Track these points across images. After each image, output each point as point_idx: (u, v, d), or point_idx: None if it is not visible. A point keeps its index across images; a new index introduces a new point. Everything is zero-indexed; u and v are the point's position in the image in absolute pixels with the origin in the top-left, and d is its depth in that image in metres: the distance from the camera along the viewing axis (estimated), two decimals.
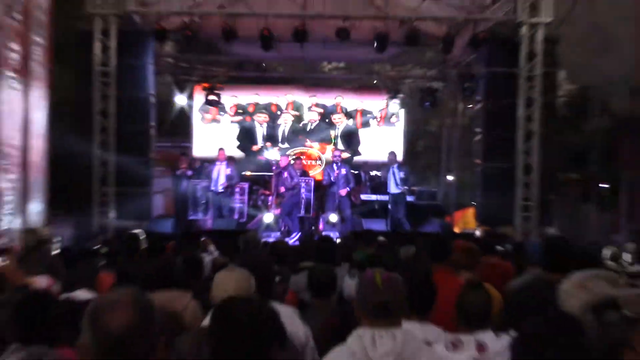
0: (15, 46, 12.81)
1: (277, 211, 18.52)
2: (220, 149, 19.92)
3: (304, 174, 19.65)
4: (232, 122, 23.00)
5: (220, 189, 18.93)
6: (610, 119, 26.08)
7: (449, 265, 7.21)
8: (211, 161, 20.13)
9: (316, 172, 20.58)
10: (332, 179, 18.98)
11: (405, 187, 18.86)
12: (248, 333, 3.28)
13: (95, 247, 12.17)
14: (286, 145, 22.20)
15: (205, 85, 21.31)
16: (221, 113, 22.05)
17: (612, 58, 31.85)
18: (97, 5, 16.21)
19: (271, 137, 22.29)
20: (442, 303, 5.31)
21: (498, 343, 4.68)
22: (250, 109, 22.37)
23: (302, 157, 20.91)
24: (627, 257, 11.62)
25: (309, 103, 22.46)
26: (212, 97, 20.98)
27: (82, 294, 6.21)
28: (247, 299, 3.69)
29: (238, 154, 21.65)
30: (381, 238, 12.54)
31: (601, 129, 25.89)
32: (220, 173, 19.04)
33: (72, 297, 6.13)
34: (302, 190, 18.84)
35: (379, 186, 20.37)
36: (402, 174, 18.83)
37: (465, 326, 4.88)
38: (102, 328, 2.67)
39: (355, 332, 4.13)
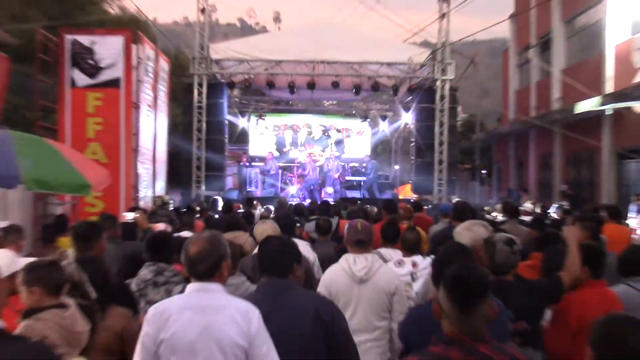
0: (149, 92, 13.20)
1: (300, 186, 19.08)
2: (269, 152, 20.67)
3: (313, 164, 19.82)
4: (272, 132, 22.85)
5: (273, 171, 19.29)
6: (486, 134, 26.23)
7: (397, 217, 7.07)
8: (261, 158, 20.74)
9: (320, 164, 20.17)
10: (329, 167, 19.53)
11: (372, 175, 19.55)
12: (279, 254, 3.07)
13: (193, 206, 11.82)
14: (302, 148, 22.35)
15: (256, 113, 22.12)
16: (266, 128, 22.43)
17: (486, 99, 31.44)
18: (195, 69, 16.81)
19: (294, 144, 22.50)
20: None
21: (425, 262, 4.55)
22: (282, 127, 22.62)
23: (312, 155, 21.13)
24: (495, 213, 11.56)
25: (316, 124, 22.87)
26: (260, 120, 21.79)
27: (185, 233, 5.96)
28: (278, 236, 3.48)
29: (275, 153, 21.68)
30: (358, 202, 12.61)
31: (480, 139, 26.14)
32: (272, 166, 19.38)
33: (180, 235, 5.82)
34: (312, 174, 19.19)
35: (358, 172, 20.92)
36: (371, 168, 19.54)
37: (406, 252, 4.79)
38: (185, 252, 2.68)
39: (344, 256, 4.06)
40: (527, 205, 11.37)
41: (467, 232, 3.73)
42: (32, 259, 2.84)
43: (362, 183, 19.77)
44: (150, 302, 3.70)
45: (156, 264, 3.94)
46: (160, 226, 6.67)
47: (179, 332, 2.54)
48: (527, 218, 8.82)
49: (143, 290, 3.87)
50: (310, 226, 7.24)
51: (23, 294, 2.64)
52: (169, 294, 3.79)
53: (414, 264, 4.61)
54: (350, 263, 3.93)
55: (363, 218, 6.00)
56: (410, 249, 4.76)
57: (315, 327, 2.87)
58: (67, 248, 4.88)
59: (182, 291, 3.65)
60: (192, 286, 2.68)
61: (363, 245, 4.03)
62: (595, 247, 3.87)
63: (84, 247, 4.13)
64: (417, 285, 4.29)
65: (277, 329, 2.78)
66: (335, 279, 3.91)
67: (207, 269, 2.65)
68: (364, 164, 20.58)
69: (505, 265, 3.44)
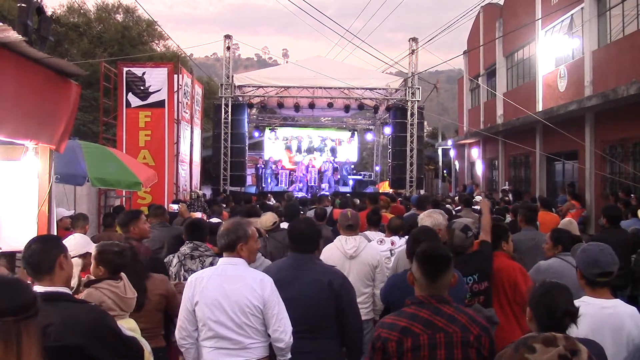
0: (187, 111, 13.24)
1: (302, 184, 19.15)
2: (280, 159, 20.61)
3: (313, 166, 20.02)
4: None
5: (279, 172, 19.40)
6: (446, 142, 26.02)
7: (378, 207, 7.09)
8: (275, 162, 20.62)
9: (318, 166, 20.09)
10: (325, 168, 19.58)
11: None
12: (307, 234, 3.00)
13: (221, 199, 12.02)
14: (305, 153, 22.07)
15: (269, 127, 22.09)
16: (277, 138, 22.27)
17: (446, 115, 31.28)
18: (222, 93, 16.73)
19: (298, 150, 22.26)
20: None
21: (401, 241, 4.50)
22: (290, 138, 22.43)
23: (312, 159, 21.19)
24: (450, 205, 11.34)
25: (315, 135, 22.75)
26: (272, 133, 21.77)
27: (215, 220, 6.05)
28: (307, 219, 3.45)
29: (284, 158, 21.81)
30: (347, 194, 12.78)
31: (442, 146, 25.93)
32: (277, 167, 19.57)
33: (211, 221, 5.86)
34: (312, 173, 19.28)
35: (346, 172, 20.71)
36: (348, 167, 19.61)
37: (389, 233, 4.78)
38: (219, 232, 2.77)
39: (337, 237, 4.07)
40: (478, 197, 11.31)
41: (428, 218, 3.70)
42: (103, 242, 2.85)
43: (348, 180, 19.83)
44: (189, 271, 3.82)
45: (193, 242, 3.99)
46: (197, 215, 6.56)
47: (208, 294, 2.57)
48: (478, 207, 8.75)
49: (183, 261, 3.92)
50: (310, 213, 7.20)
51: (93, 268, 2.67)
52: (202, 264, 3.87)
53: (392, 242, 4.58)
54: (343, 243, 3.93)
55: (350, 207, 6.01)
56: (394, 230, 4.74)
57: (328, 294, 2.84)
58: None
59: (212, 263, 3.91)
60: (221, 260, 2.71)
61: (352, 228, 4.04)
62: (502, 226, 3.90)
63: (125, 230, 4.23)
64: (393, 260, 4.24)
65: (298, 293, 2.80)
66: (331, 255, 3.88)
67: (225, 243, 2.67)
68: (351, 166, 20.76)
69: (461, 247, 3.43)
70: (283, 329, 2.56)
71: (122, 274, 2.58)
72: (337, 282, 2.90)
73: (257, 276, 2.63)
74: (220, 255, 2.72)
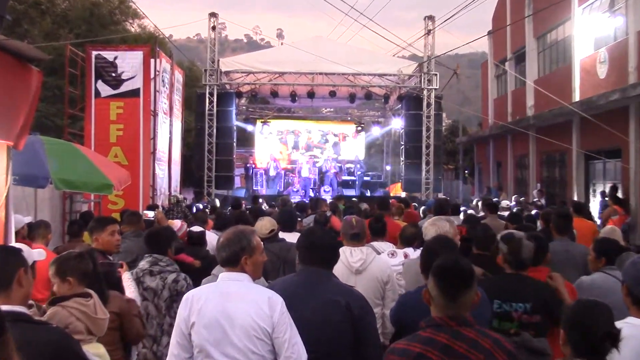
0: (165, 101, 13.29)
1: (300, 186, 19.25)
2: (270, 154, 20.59)
3: (313, 165, 20.16)
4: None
5: (272, 173, 19.46)
6: (468, 137, 26.16)
7: (389, 213, 7.12)
8: (268, 161, 20.59)
9: (319, 165, 20.45)
10: (327, 168, 19.74)
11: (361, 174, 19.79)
12: (325, 247, 2.99)
13: (204, 204, 12.16)
14: (303, 150, 22.40)
15: (261, 120, 22.17)
16: (270, 133, 22.41)
17: (468, 106, 31.35)
18: (207, 80, 16.84)
19: (295, 146, 22.57)
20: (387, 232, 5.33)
21: (415, 253, 4.46)
22: (285, 132, 22.66)
23: (312, 157, 21.30)
24: (472, 211, 11.08)
25: (315, 129, 22.95)
26: (265, 126, 21.84)
27: (196, 228, 6.02)
28: (324, 229, 3.51)
29: (278, 156, 21.72)
30: (353, 199, 12.97)
31: (463, 142, 26.07)
32: (271, 166, 19.53)
33: (191, 230, 5.92)
34: (312, 173, 19.42)
35: (352, 173, 20.98)
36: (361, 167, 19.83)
37: (401, 244, 4.80)
38: (218, 242, 2.76)
39: (341, 249, 3.88)
40: (505, 202, 11.31)
41: (431, 227, 3.68)
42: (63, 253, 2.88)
43: (356, 182, 19.90)
44: (148, 289, 3.89)
45: (152, 256, 4.00)
46: (177, 223, 6.38)
47: (207, 315, 2.53)
48: (504, 213, 8.76)
49: (142, 278, 3.94)
50: (308, 220, 7.27)
51: (56, 284, 2.67)
52: (164, 281, 3.89)
53: (406, 255, 4.58)
54: (347, 255, 3.89)
55: (355, 214, 5.98)
56: (407, 241, 4.73)
57: (344, 317, 2.80)
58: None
59: (176, 279, 3.97)
60: (222, 275, 2.69)
61: (358, 238, 4.00)
62: (539, 236, 3.90)
63: (94, 239, 4.21)
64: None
65: (310, 314, 2.78)
66: (334, 269, 3.86)
67: (226, 256, 2.65)
68: (357, 165, 20.85)
69: (530, 259, 3.37)
70: (297, 356, 2.51)
71: (92, 292, 2.59)
72: (356, 304, 2.86)
73: (264, 294, 2.60)
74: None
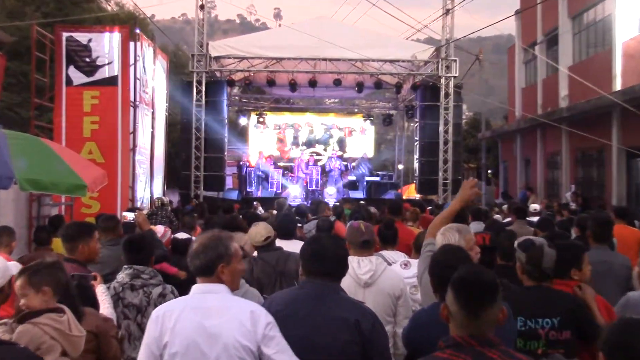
0: (147, 90, 13.39)
1: (302, 187, 19.21)
2: (260, 151, 20.76)
3: (315, 163, 20.41)
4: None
5: (263, 172, 19.58)
6: (491, 132, 26.17)
7: (401, 219, 7.14)
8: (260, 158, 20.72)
9: (322, 163, 20.82)
10: (331, 167, 19.81)
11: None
12: (334, 256, 2.98)
13: (192, 208, 11.93)
14: (304, 147, 22.62)
15: (257, 112, 22.32)
16: (266, 127, 22.59)
17: (492, 97, 31.39)
18: (194, 66, 16.86)
19: (295, 142, 22.77)
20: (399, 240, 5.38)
21: None
22: (283, 126, 22.83)
23: (313, 154, 21.53)
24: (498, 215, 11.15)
25: (318, 122, 23.09)
26: (260, 119, 22.04)
27: (181, 235, 6.22)
28: (331, 235, 3.51)
29: (276, 153, 22.26)
30: (362, 202, 12.80)
31: (486, 137, 26.08)
32: (267, 165, 19.73)
33: (176, 237, 6.11)
34: (314, 173, 19.47)
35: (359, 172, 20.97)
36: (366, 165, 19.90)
37: (416, 254, 4.72)
38: (190, 249, 2.77)
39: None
40: (534, 206, 11.29)
41: (440, 237, 3.62)
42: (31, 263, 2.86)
43: (364, 183, 20.03)
44: (129, 306, 3.87)
45: (132, 267, 3.98)
46: (160, 228, 6.58)
47: (182, 333, 2.53)
48: (534, 219, 8.79)
49: (122, 293, 3.93)
50: (310, 226, 7.29)
51: (30, 296, 2.66)
52: (148, 296, 3.86)
53: None
54: (354, 266, 3.87)
55: (366, 219, 6.07)
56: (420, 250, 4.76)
57: (352, 337, 2.79)
58: (60, 250, 4.84)
59: (162, 294, 3.95)
60: (196, 287, 2.68)
61: (367, 246, 4.01)
62: (572, 245, 3.92)
63: (71, 247, 4.13)
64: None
65: (314, 333, 2.78)
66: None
67: (202, 265, 2.65)
68: (366, 163, 21.03)
69: (551, 269, 3.38)
70: None
71: (65, 307, 2.60)
72: (367, 322, 2.84)
73: (245, 307, 2.61)
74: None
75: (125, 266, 4.02)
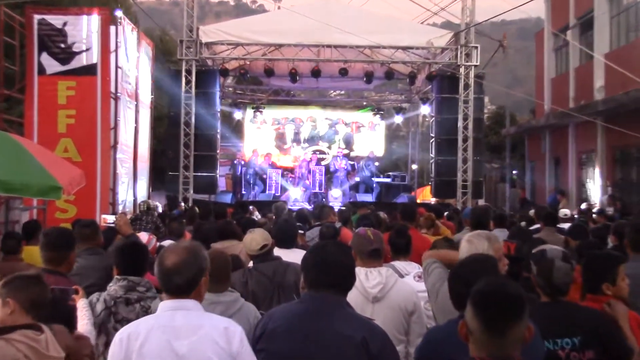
0: (130, 80, 13.47)
1: (304, 189, 19.21)
2: (254, 149, 20.84)
3: (318, 163, 20.43)
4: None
5: (261, 172, 19.61)
6: (517, 128, 26.15)
7: (415, 225, 7.07)
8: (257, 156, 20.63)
9: (326, 163, 20.86)
10: (336, 167, 19.82)
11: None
12: (341, 266, 3.00)
13: (180, 213, 12.02)
14: (306, 144, 22.72)
15: (253, 105, 22.38)
16: (264, 122, 22.46)
17: (518, 89, 31.32)
18: (183, 54, 16.89)
19: (296, 139, 22.84)
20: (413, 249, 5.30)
21: None
22: (283, 121, 22.89)
23: (317, 152, 21.60)
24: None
25: (322, 117, 23.16)
26: (257, 113, 22.06)
27: (168, 242, 5.80)
28: (338, 243, 3.58)
29: (274, 151, 22.09)
30: (370, 206, 12.58)
31: (511, 134, 26.03)
32: (264, 164, 19.73)
33: (162, 244, 5.91)
34: (317, 173, 19.49)
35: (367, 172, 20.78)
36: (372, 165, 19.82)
37: None
38: (161, 263, 2.70)
39: None
40: (565, 211, 11.23)
41: (466, 244, 3.62)
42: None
43: (373, 184, 20.04)
44: (123, 321, 3.76)
45: (126, 279, 3.96)
46: (143, 236, 6.51)
47: (150, 357, 2.56)
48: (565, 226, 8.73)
49: (114, 307, 3.90)
50: (313, 234, 7.27)
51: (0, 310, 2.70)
52: (146, 311, 3.82)
53: None
54: (362, 279, 3.88)
55: (375, 225, 6.06)
56: None
57: (359, 357, 2.79)
58: (34, 260, 4.88)
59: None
60: (164, 305, 2.70)
61: (377, 256, 4.02)
62: (606, 256, 3.90)
63: (56, 258, 4.11)
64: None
65: (316, 353, 2.78)
66: None
67: (184, 283, 2.66)
68: (375, 163, 21.03)
69: (565, 285, 3.36)
70: None
71: (44, 326, 2.61)
72: (375, 341, 2.85)
73: (220, 324, 2.66)
74: None
75: (118, 277, 3.98)
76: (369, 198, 18.86)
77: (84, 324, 3.61)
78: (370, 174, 20.40)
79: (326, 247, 3.07)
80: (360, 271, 3.89)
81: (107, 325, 3.82)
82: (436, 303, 3.65)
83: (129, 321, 3.75)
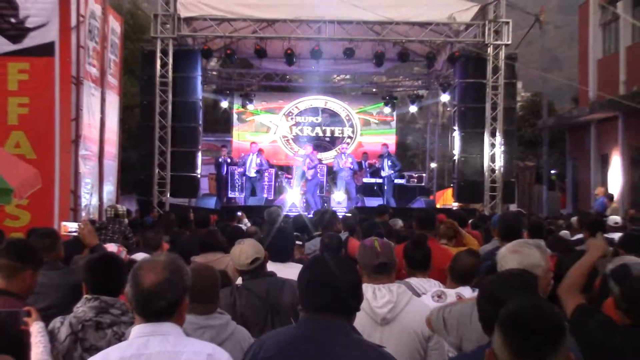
0: (94, 62, 13.47)
1: (302, 191, 19.29)
2: (252, 142, 20.74)
3: (320, 161, 20.49)
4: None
5: (252, 173, 19.39)
6: (556, 119, 26.15)
7: (434, 234, 7.00)
8: (245, 151, 20.72)
9: (328, 160, 21.12)
10: (340, 165, 19.73)
11: (392, 172, 19.53)
12: (343, 284, 2.92)
13: (153, 220, 12.20)
14: (304, 139, 22.73)
15: (242, 92, 22.52)
16: (255, 113, 22.66)
17: (557, 72, 31.32)
18: (158, 31, 16.96)
19: (293, 134, 22.86)
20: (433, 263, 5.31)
21: (473, 295, 4.37)
22: (277, 110, 22.92)
23: (317, 148, 21.70)
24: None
25: (323, 106, 23.06)
26: (246, 102, 22.20)
27: (140, 255, 5.82)
28: (338, 257, 3.57)
29: (266, 146, 22.14)
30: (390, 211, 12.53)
31: (549, 126, 26.05)
32: (252, 161, 19.52)
33: (132, 258, 5.77)
34: (319, 173, 19.55)
35: (377, 171, 20.88)
36: (390, 162, 19.57)
37: (453, 281, 4.80)
38: (137, 283, 2.68)
39: None
40: (614, 218, 11.22)
41: (513, 256, 3.61)
42: None
43: (384, 187, 19.95)
44: (91, 350, 3.73)
45: (98, 298, 3.93)
46: (111, 247, 6.42)
47: None
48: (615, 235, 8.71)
49: (80, 333, 3.86)
50: (313, 245, 7.30)
51: None
52: (119, 338, 3.79)
53: (459, 298, 4.53)
54: (369, 298, 3.88)
55: (384, 234, 6.06)
56: (462, 276, 4.74)
57: None
58: None
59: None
60: (137, 330, 2.71)
61: (385, 271, 4.02)
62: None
63: (7, 275, 4.13)
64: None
65: None
66: None
67: (166, 306, 2.67)
68: (385, 159, 20.64)
69: None
70: None
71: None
72: None
73: (201, 350, 2.68)
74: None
75: (88, 296, 3.95)
76: (379, 202, 18.36)
77: (38, 352, 3.56)
78: (394, 173, 20.07)
79: (325, 261, 3.01)
80: (367, 289, 3.87)
81: (72, 354, 3.78)
82: (453, 328, 3.61)
83: (98, 350, 3.73)
